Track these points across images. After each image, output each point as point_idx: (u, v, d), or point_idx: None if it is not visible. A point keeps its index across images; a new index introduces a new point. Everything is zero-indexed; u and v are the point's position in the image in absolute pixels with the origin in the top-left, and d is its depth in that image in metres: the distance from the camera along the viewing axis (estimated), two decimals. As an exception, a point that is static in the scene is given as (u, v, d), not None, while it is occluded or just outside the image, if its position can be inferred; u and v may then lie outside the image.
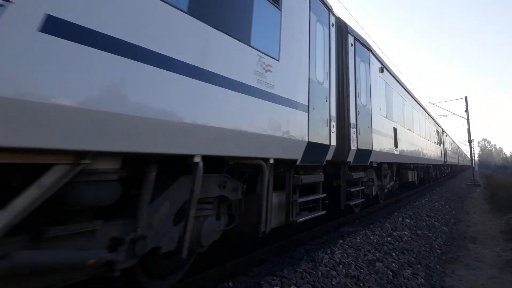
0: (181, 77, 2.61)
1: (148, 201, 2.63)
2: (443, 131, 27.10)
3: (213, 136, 2.95)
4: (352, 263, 4.32)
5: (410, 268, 4.51)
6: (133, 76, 2.24)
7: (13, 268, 1.83)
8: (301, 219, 4.87)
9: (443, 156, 24.61)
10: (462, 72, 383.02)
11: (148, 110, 2.35)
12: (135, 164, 2.59)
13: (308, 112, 4.79)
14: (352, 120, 6.70)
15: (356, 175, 7.21)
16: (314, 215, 5.20)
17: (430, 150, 18.53)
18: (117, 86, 2.15)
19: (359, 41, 7.55)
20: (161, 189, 2.83)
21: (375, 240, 5.59)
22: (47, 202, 1.97)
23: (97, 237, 2.33)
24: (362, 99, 7.37)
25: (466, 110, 27.40)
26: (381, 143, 8.43)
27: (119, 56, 2.14)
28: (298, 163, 4.65)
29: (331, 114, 5.70)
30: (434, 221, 8.31)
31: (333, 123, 5.75)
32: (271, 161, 4.05)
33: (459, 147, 52.99)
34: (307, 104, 4.79)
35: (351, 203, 7.16)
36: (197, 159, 2.85)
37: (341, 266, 4.18)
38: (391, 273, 4.17)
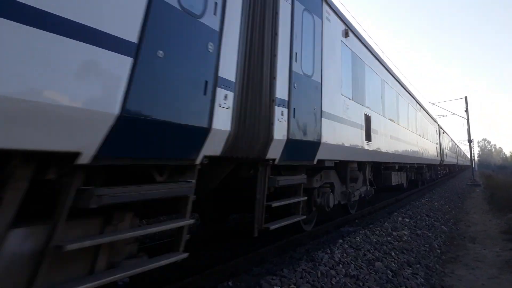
0: None
1: None
2: (440, 127, 24.98)
3: None
4: (352, 263, 4.33)
5: (410, 268, 4.51)
6: None
7: None
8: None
9: (439, 155, 22.32)
10: (462, 72, 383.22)
11: None
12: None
13: (136, 59, 2.38)
14: (281, 94, 4.28)
15: (286, 180, 4.63)
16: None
17: (424, 147, 16.13)
18: None
19: None
20: None
21: (374, 240, 5.60)
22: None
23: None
24: (305, 67, 4.91)
25: (466, 110, 27.41)
26: (340, 134, 5.97)
27: None
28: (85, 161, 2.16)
29: (221, 74, 3.27)
30: (434, 220, 8.32)
31: (227, 93, 3.35)
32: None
33: (458, 146, 50.20)
34: (135, 42, 2.38)
35: (272, 227, 4.20)
36: None
37: (340, 265, 4.19)
38: (390, 273, 4.18)
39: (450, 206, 11.58)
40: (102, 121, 2.18)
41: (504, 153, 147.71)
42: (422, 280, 4.14)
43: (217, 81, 3.22)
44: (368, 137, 7.58)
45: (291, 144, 4.45)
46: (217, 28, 3.24)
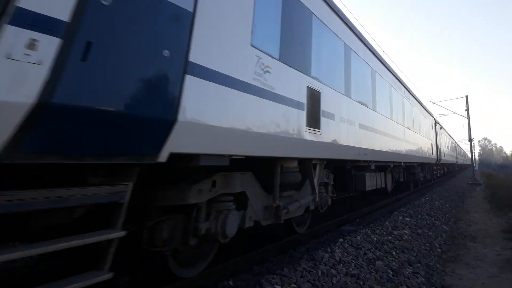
0: None
1: None
2: (437, 122, 22.15)
3: None
4: (352, 262, 4.32)
5: (410, 267, 4.51)
6: None
7: None
8: None
9: (435, 152, 19.70)
10: (463, 72, 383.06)
11: None
12: None
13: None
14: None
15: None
16: None
17: (415, 143, 13.58)
18: None
19: None
20: None
21: (375, 239, 5.59)
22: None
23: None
24: None
25: (467, 109, 27.37)
26: (245, 112, 3.56)
27: None
28: None
29: None
30: (435, 220, 8.31)
31: None
32: None
33: (457, 144, 46.17)
34: None
35: None
36: None
37: (341, 264, 4.19)
38: (391, 272, 4.17)
39: (451, 205, 11.57)
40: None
41: (504, 152, 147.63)
42: (423, 279, 4.14)
43: None
44: (315, 123, 4.96)
45: (58, 116, 1.97)
46: None
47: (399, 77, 11.84)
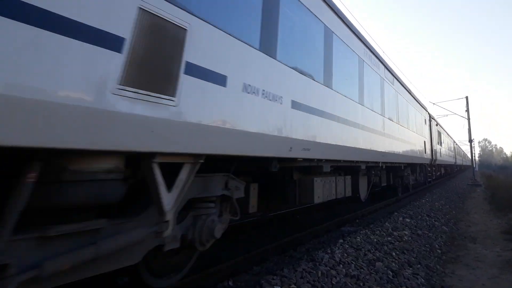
0: None
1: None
2: (432, 118, 19.20)
3: None
4: (352, 263, 4.32)
5: (410, 268, 4.51)
6: None
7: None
8: None
9: (430, 152, 17.09)
10: (463, 72, 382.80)
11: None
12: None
13: None
14: None
15: None
16: None
17: (400, 139, 10.81)
18: None
19: None
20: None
21: (375, 240, 5.59)
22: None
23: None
24: None
25: (467, 110, 27.35)
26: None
27: None
28: None
29: None
30: (434, 221, 8.30)
31: None
32: None
33: (456, 143, 42.20)
34: None
35: None
36: None
37: (341, 265, 4.18)
38: (391, 273, 4.17)
39: (451, 206, 11.56)
40: None
41: (505, 153, 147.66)
42: (423, 280, 4.13)
43: None
44: (160, 82, 2.47)
45: None
46: None
47: (377, 53, 8.96)
